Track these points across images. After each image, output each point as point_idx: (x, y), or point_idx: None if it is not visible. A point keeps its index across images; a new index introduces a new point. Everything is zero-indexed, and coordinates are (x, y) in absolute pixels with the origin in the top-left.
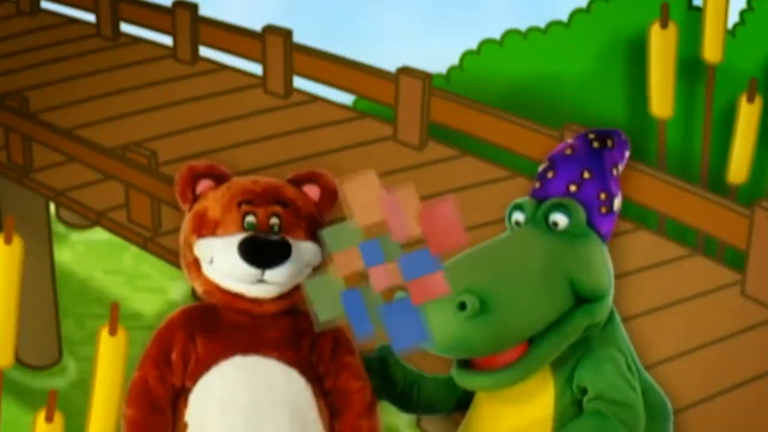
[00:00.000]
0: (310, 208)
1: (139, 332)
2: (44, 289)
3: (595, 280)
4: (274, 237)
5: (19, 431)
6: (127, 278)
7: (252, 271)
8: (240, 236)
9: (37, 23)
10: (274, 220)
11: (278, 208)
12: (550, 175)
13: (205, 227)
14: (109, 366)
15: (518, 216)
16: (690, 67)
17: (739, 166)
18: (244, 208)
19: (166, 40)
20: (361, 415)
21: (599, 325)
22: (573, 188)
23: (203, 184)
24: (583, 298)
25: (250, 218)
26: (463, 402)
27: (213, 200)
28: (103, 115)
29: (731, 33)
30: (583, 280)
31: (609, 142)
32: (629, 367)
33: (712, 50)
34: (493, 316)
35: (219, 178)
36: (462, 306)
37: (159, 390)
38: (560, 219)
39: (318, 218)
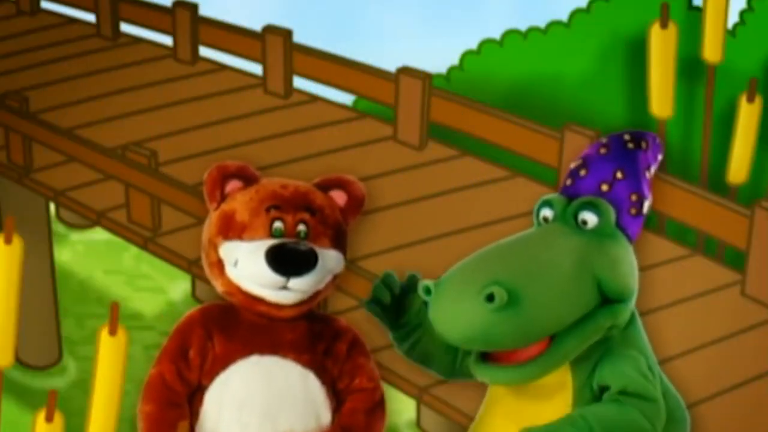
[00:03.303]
0: (336, 216)
1: (139, 332)
2: (44, 289)
3: (622, 281)
4: (303, 247)
5: (19, 431)
6: (127, 278)
7: (277, 279)
8: (267, 242)
9: (37, 23)
10: (301, 227)
11: (306, 215)
12: (582, 173)
13: (232, 230)
14: (109, 366)
15: (546, 212)
16: (690, 67)
17: (739, 166)
18: (273, 213)
19: (166, 40)
20: (363, 411)
21: (620, 326)
22: (605, 187)
23: (232, 185)
24: (607, 299)
25: (277, 224)
26: (456, 373)
27: (241, 203)
28: (103, 115)
29: (731, 33)
30: (610, 280)
31: (643, 144)
32: (650, 369)
33: (712, 50)
34: (520, 310)
35: (248, 180)
36: (489, 297)
37: (176, 385)
38: (590, 218)
39: (343, 226)
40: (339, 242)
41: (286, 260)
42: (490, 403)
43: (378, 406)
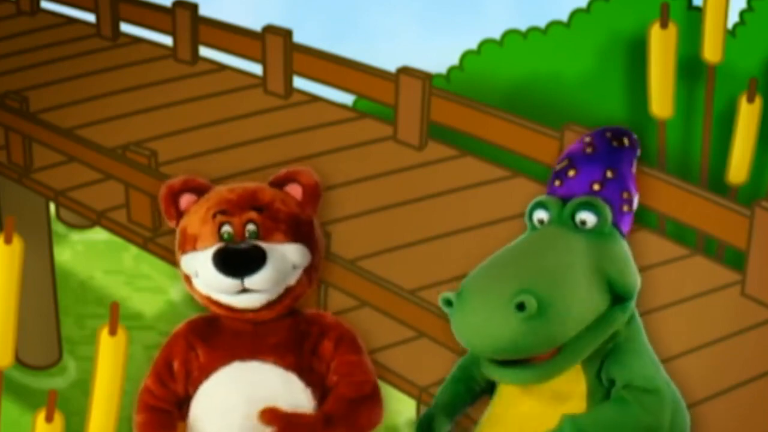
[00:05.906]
0: (290, 209)
1: (139, 332)
2: (44, 289)
3: (629, 278)
4: (244, 245)
5: (19, 431)
6: (127, 278)
7: (230, 282)
8: (216, 247)
9: (37, 23)
10: (250, 227)
11: (253, 215)
12: (571, 173)
13: (187, 242)
14: (109, 366)
15: (541, 214)
16: (690, 67)
17: (739, 166)
18: (219, 218)
19: (166, 40)
20: (347, 400)
21: (625, 322)
22: (596, 187)
23: (185, 200)
24: (616, 296)
25: (225, 228)
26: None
27: (193, 214)
28: (103, 115)
29: (731, 33)
30: (619, 278)
31: (625, 141)
32: (653, 362)
33: (712, 50)
34: (549, 318)
35: (199, 191)
36: (520, 307)
37: (161, 394)
38: (588, 218)
39: (302, 217)
40: (297, 235)
41: (232, 261)
42: (501, 404)
43: (366, 399)
